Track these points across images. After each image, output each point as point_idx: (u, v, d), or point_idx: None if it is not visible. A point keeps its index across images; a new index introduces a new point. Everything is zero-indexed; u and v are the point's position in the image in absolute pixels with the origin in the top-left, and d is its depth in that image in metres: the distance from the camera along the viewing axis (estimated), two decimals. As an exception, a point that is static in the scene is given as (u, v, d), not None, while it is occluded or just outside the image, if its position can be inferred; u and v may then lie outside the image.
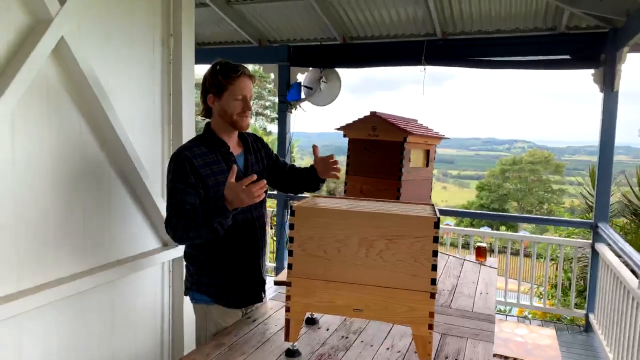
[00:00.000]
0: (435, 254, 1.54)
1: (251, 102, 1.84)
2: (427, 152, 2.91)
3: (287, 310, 1.64)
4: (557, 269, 4.74)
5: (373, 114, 2.68)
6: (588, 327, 4.11)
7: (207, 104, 1.81)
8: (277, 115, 4.96)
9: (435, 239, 1.54)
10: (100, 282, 2.01)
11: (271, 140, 15.97)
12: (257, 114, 25.67)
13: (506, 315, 4.59)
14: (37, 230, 1.79)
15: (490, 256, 3.08)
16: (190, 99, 2.43)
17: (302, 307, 1.65)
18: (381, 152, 2.66)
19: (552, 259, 5.75)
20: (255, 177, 1.57)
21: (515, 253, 8.21)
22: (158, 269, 2.38)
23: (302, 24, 4.52)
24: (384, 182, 2.65)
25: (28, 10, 1.66)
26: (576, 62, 3.90)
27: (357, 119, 2.73)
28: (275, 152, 2.09)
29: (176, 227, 1.66)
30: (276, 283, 1.90)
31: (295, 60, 4.67)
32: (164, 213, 2.30)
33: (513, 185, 35.27)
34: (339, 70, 4.69)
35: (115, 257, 2.12)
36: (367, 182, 2.73)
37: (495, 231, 5.08)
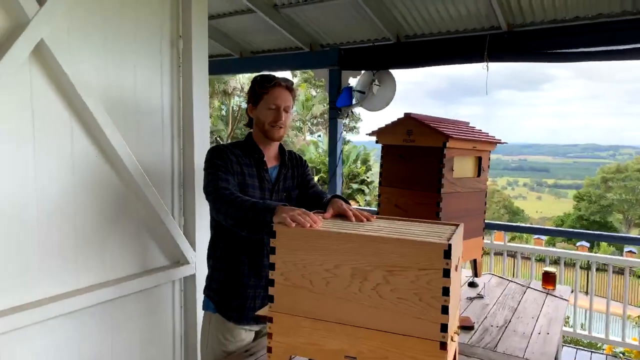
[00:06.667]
0: (446, 291, 1.19)
1: (289, 114, 1.81)
2: (479, 160, 2.48)
3: (269, 350, 1.37)
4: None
5: (408, 115, 2.33)
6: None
7: (249, 115, 1.83)
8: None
9: (446, 272, 1.19)
10: (97, 301, 1.88)
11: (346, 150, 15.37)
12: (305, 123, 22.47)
13: (591, 352, 3.88)
14: (38, 245, 1.72)
15: (561, 282, 2.55)
16: (204, 105, 2.26)
17: (285, 349, 1.36)
18: (418, 159, 2.29)
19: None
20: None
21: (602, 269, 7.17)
22: (168, 288, 2.22)
23: (354, 25, 4.24)
24: (421, 194, 2.28)
25: (6, 13, 1.58)
26: (678, 49, 3.21)
27: (390, 123, 2.39)
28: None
29: (225, 196, 1.58)
30: (257, 317, 1.63)
31: (346, 63, 4.40)
32: (172, 229, 2.15)
33: (617, 196, 31.77)
34: (394, 72, 4.34)
35: (116, 275, 1.98)
36: (404, 194, 2.38)
37: (571, 251, 4.34)
